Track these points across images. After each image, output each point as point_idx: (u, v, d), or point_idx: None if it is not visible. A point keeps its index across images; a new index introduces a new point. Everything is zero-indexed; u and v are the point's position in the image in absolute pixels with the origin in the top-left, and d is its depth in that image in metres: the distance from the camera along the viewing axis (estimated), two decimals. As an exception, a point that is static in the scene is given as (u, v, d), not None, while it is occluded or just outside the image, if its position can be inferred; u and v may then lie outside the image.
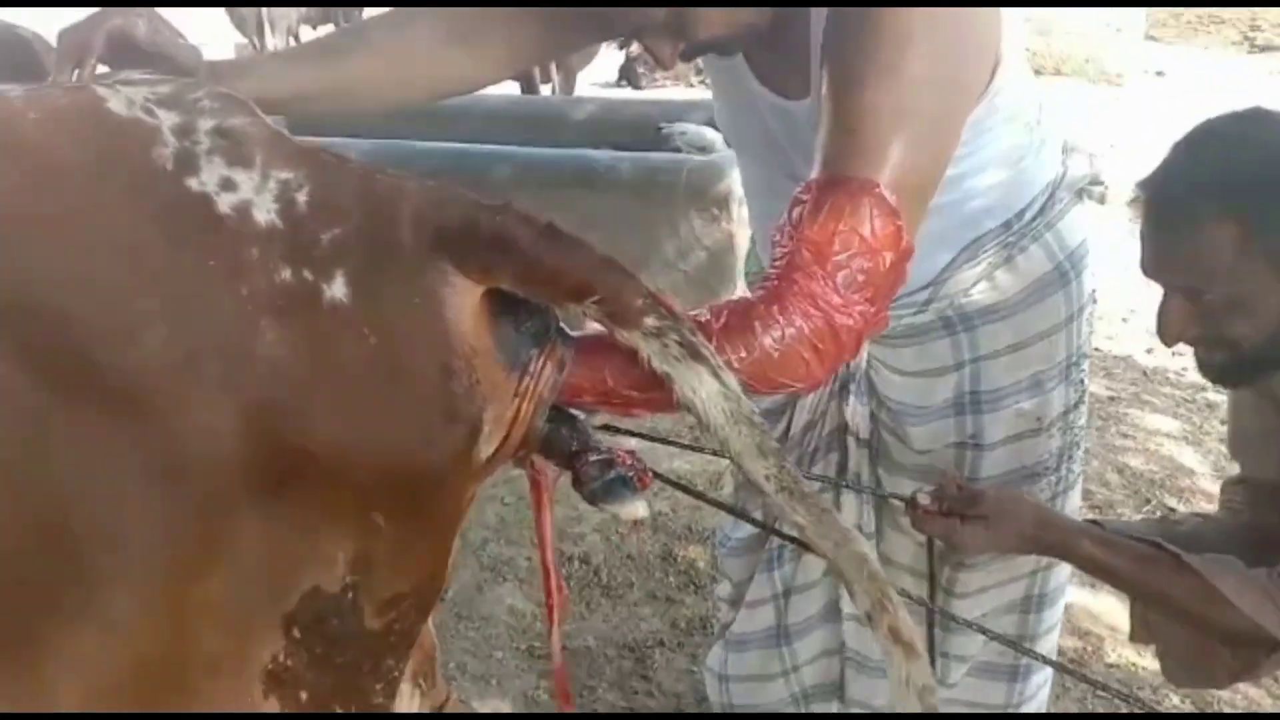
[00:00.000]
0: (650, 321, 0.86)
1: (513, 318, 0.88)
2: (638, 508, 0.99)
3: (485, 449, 0.89)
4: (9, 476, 0.72)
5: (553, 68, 7.59)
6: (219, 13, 8.84)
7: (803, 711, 1.71)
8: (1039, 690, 1.65)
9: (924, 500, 1.26)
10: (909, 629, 0.86)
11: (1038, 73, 9.36)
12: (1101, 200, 1.42)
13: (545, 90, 7.87)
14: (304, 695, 0.85)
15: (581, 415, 1.02)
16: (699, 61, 1.31)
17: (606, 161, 4.44)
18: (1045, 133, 1.36)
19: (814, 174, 1.02)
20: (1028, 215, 1.34)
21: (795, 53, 1.17)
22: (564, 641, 2.46)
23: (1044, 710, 1.70)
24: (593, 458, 0.99)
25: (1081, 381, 1.46)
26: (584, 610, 2.59)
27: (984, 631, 1.31)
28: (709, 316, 0.96)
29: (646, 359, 0.86)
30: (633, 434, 1.26)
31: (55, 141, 0.76)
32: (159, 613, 0.77)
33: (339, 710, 0.88)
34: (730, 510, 1.45)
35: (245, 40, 8.93)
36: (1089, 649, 2.45)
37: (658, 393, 0.91)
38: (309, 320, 0.78)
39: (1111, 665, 2.40)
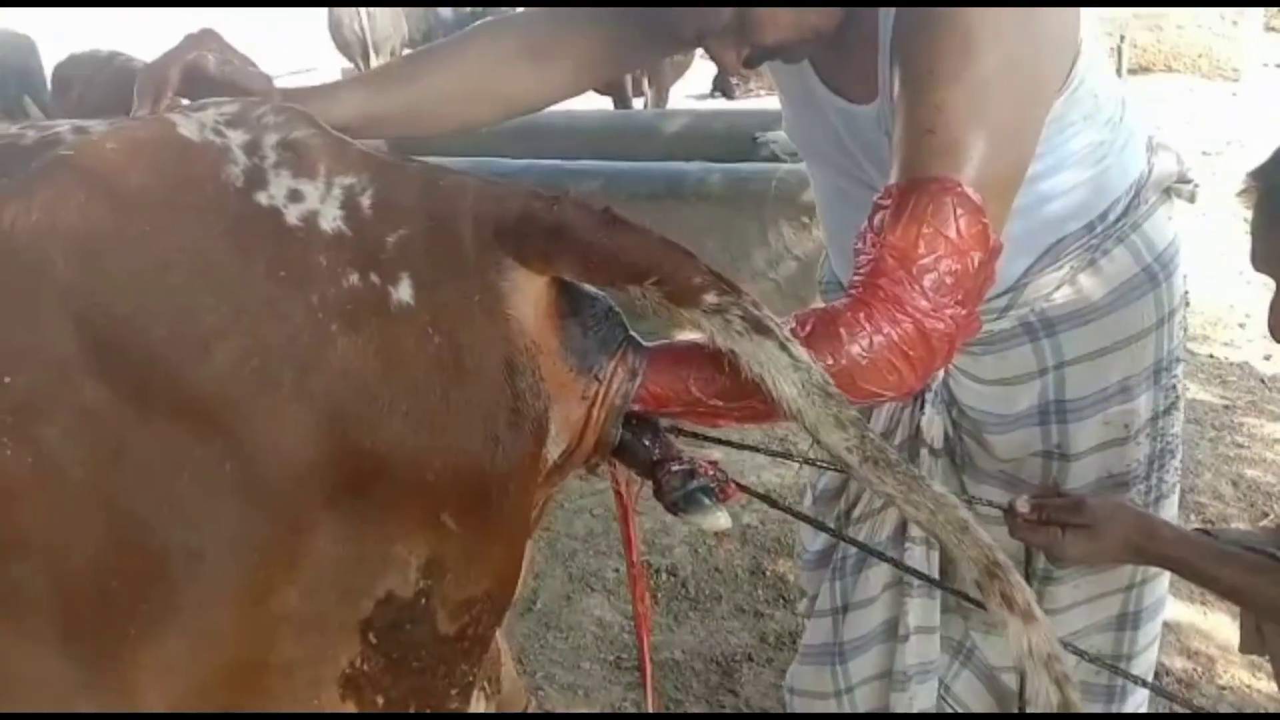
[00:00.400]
0: (710, 298, 0.85)
1: (579, 321, 0.89)
2: (719, 519, 0.98)
3: (554, 450, 0.90)
4: (94, 489, 0.75)
5: (645, 81, 7.65)
6: (324, 38, 9.16)
7: None
8: (1138, 711, 1.58)
9: (1023, 508, 1.21)
10: (1024, 594, 0.82)
11: (1147, 69, 9.06)
12: (1191, 199, 1.38)
13: (638, 104, 7.93)
14: (380, 700, 0.87)
15: (664, 425, 1.02)
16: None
17: (696, 173, 4.45)
18: (1128, 130, 1.30)
19: (893, 177, 1.00)
20: (1111, 216, 1.30)
21: (862, 56, 1.15)
22: (651, 654, 2.47)
23: None
24: (674, 467, 0.99)
25: (1174, 387, 1.40)
26: (671, 623, 2.59)
27: (1076, 651, 1.26)
28: (794, 325, 0.94)
29: (711, 338, 0.85)
30: (720, 442, 1.24)
31: (132, 169, 0.80)
32: (238, 621, 0.80)
33: (415, 712, 0.90)
34: (813, 522, 1.42)
35: (350, 65, 9.23)
36: (1198, 670, 2.33)
37: (744, 402, 0.91)
38: (377, 324, 0.80)
39: (1224, 687, 2.28)
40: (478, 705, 0.97)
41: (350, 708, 0.86)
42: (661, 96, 8.10)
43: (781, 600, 2.64)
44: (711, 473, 1.00)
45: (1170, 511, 1.46)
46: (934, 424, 1.44)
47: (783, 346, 0.85)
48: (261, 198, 0.81)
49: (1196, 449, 3.18)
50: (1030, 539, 1.24)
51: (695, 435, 1.08)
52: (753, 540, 2.89)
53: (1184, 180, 1.37)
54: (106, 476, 0.75)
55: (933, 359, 0.97)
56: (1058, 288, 1.30)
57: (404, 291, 0.82)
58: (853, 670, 1.62)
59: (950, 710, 1.66)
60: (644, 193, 4.36)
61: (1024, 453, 1.40)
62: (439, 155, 4.42)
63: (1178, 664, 2.31)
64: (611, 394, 0.91)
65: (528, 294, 0.86)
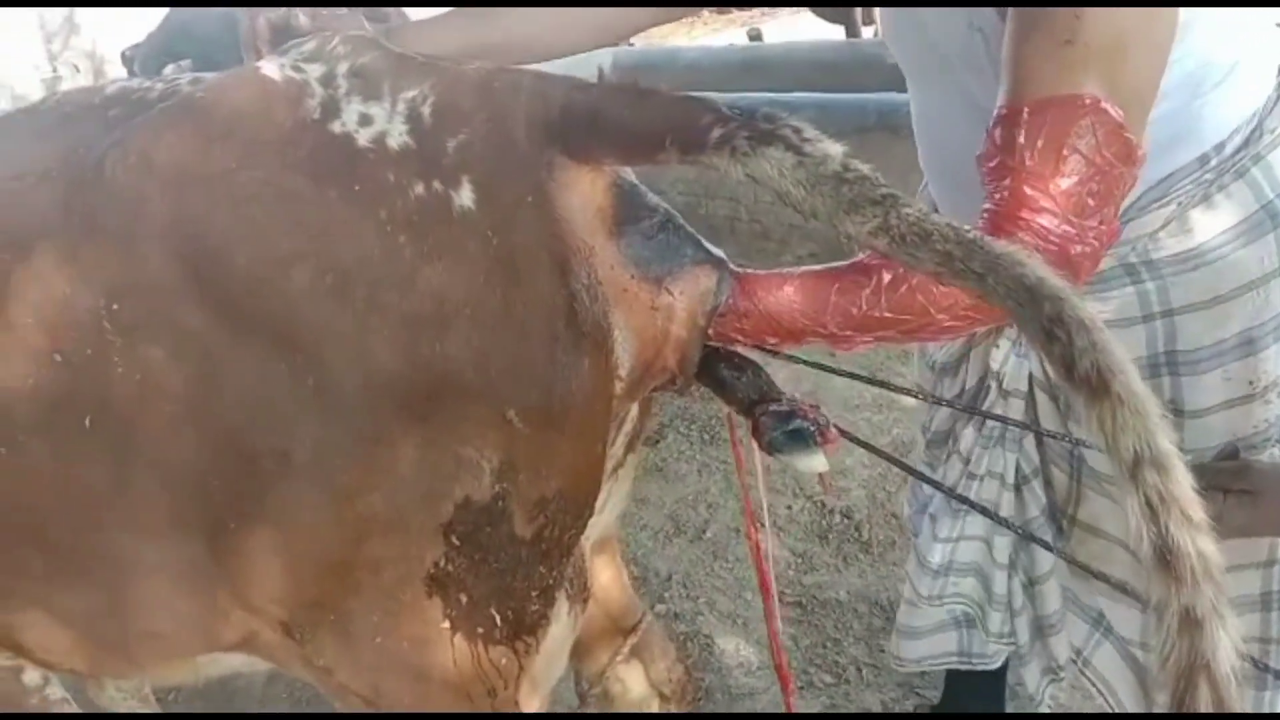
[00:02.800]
0: (716, 133, 0.82)
1: (637, 228, 0.90)
2: (816, 461, 0.97)
3: (624, 357, 0.92)
4: (194, 401, 0.85)
5: (875, 11, 7.32)
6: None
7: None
8: None
9: None
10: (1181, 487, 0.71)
11: None
12: None
13: (868, 33, 7.62)
14: (464, 598, 0.93)
15: (762, 366, 1.03)
16: None
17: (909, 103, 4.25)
18: (1248, 52, 1.14)
19: (1020, 90, 0.94)
20: (1229, 148, 1.15)
21: None
22: (814, 593, 2.47)
23: None
24: (773, 407, 0.98)
25: None
26: (840, 564, 2.57)
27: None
28: None
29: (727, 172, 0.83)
30: (818, 366, 1.21)
31: (218, 112, 0.88)
32: (326, 518, 0.88)
33: (496, 614, 0.95)
34: (914, 473, 1.33)
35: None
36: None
37: (873, 332, 0.92)
38: (442, 231, 0.85)
39: None
40: (561, 609, 1.02)
41: (436, 605, 0.93)
42: (894, 25, 7.72)
43: (959, 552, 2.56)
44: (811, 415, 0.98)
45: None
46: (1009, 363, 1.33)
47: (790, 147, 0.80)
48: (335, 126, 0.88)
49: None
50: None
51: (793, 359, 1.07)
52: (935, 489, 2.80)
53: None
54: (204, 390, 0.85)
55: (1077, 277, 0.93)
56: (1164, 225, 1.17)
57: (465, 196, 0.86)
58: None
59: (1090, 684, 1.57)
60: (854, 126, 4.22)
61: None
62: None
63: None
64: (688, 308, 0.91)
65: (579, 194, 0.88)
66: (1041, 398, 1.37)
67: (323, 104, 0.89)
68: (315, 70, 0.91)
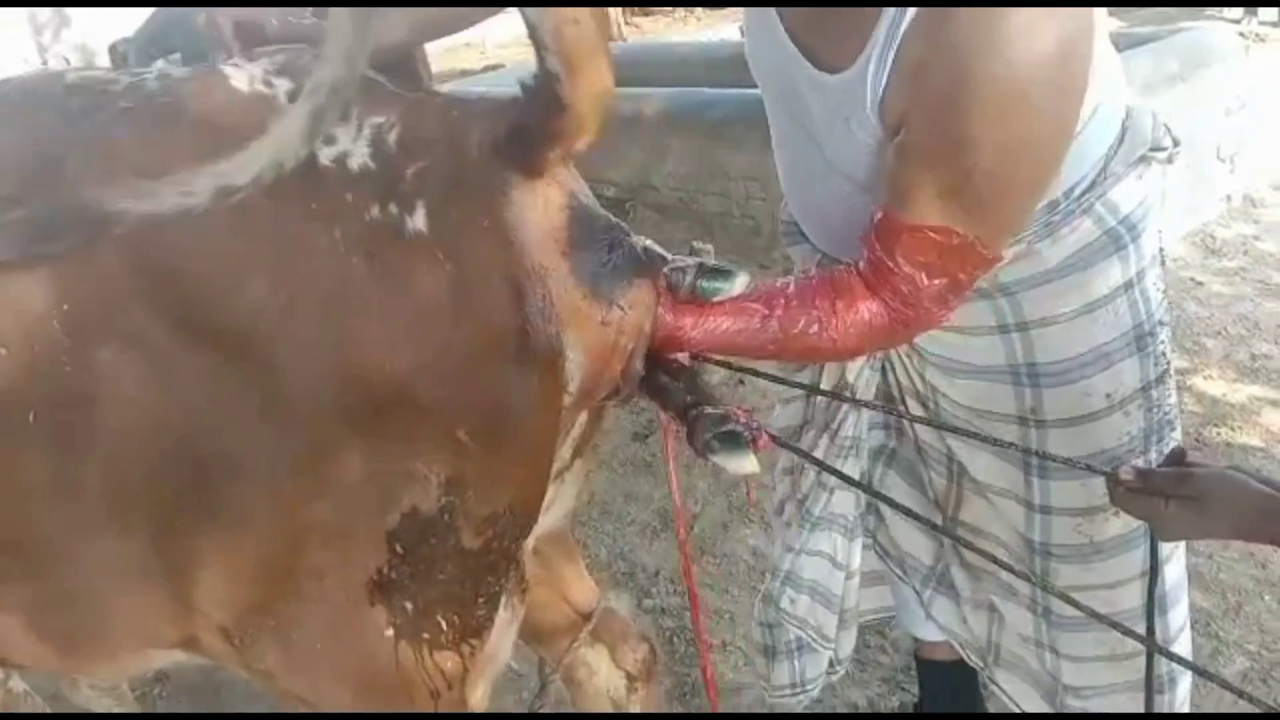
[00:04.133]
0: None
1: (591, 247, 0.91)
2: (747, 463, 0.99)
3: (574, 374, 0.92)
4: (144, 404, 0.85)
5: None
6: None
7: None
8: (1186, 704, 1.46)
9: (1126, 475, 1.10)
10: None
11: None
12: (1169, 161, 1.26)
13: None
14: (409, 605, 0.94)
15: (698, 371, 1.06)
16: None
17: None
18: (1101, 98, 1.15)
19: (897, 211, 1.03)
20: (1076, 191, 1.19)
21: (851, 24, 1.04)
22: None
23: None
24: (708, 410, 1.00)
25: (1163, 354, 1.30)
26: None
27: (1116, 626, 1.11)
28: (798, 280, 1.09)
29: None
30: (753, 372, 1.24)
31: (182, 118, 0.88)
32: (271, 524, 0.88)
33: (442, 621, 0.96)
34: (841, 475, 1.34)
35: None
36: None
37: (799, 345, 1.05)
38: (393, 253, 0.85)
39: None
40: (505, 614, 1.02)
41: (380, 612, 0.94)
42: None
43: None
44: (744, 420, 1.00)
45: None
46: (861, 374, 1.38)
47: None
48: None
49: None
50: (1131, 508, 1.13)
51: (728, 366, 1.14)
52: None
53: (1158, 148, 1.24)
54: (154, 393, 0.85)
55: (909, 338, 1.18)
56: (1011, 261, 1.19)
57: (419, 220, 0.86)
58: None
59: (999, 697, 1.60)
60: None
61: (996, 408, 1.32)
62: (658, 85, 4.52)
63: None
64: (635, 322, 0.92)
65: (534, 216, 0.88)
66: (913, 404, 1.40)
67: None
68: (284, 85, 0.91)
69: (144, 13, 4.23)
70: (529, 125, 0.87)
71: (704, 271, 0.98)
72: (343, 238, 0.85)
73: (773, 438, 1.06)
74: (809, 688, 1.73)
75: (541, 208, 0.89)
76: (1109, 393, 1.27)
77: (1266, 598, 2.28)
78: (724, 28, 8.10)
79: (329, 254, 0.85)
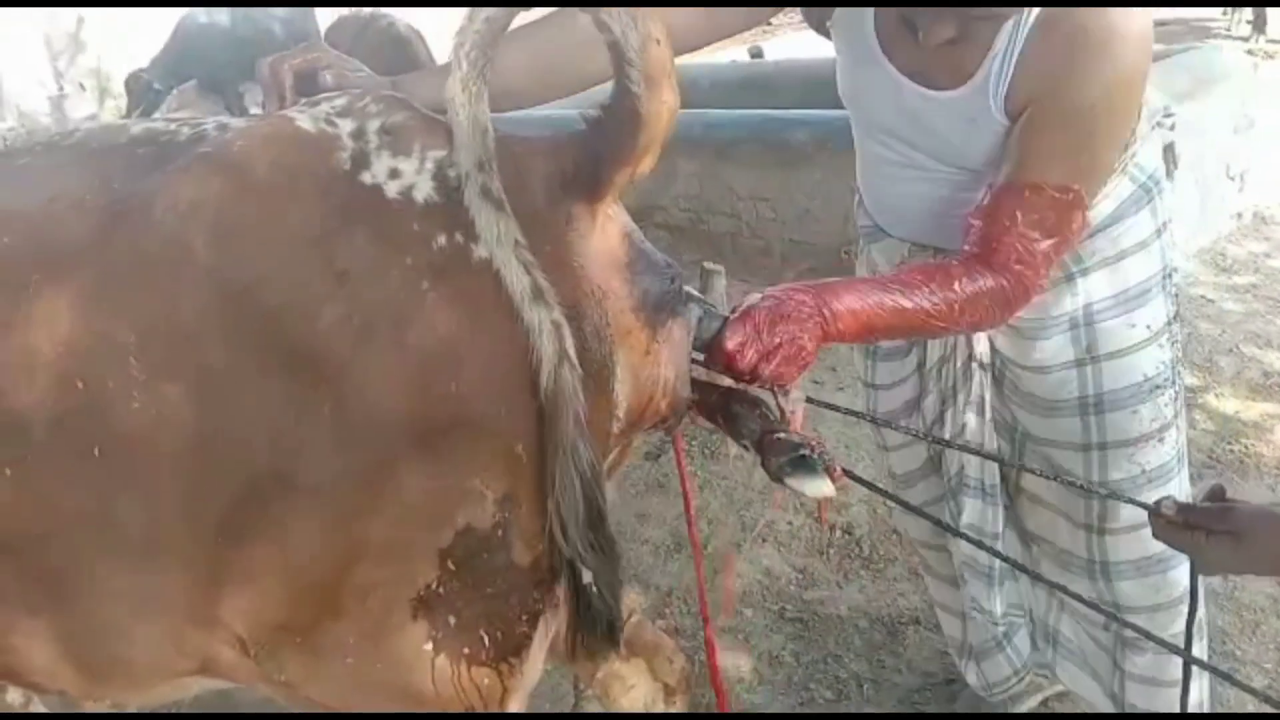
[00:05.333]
0: None
1: (645, 276, 0.96)
2: (824, 486, 1.04)
3: (622, 397, 0.96)
4: (206, 428, 0.88)
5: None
6: None
7: None
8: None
9: (1168, 509, 1.14)
10: None
11: None
12: (1172, 128, 1.60)
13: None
14: (452, 620, 0.96)
15: (770, 402, 1.11)
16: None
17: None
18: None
19: (1020, 173, 1.25)
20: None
21: (959, 49, 1.26)
22: (815, 608, 2.48)
23: None
24: (781, 435, 1.06)
25: (1175, 296, 1.55)
26: (841, 579, 2.58)
27: (1151, 637, 1.29)
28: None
29: None
30: (825, 405, 1.32)
31: (258, 161, 0.93)
32: (323, 543, 0.91)
33: (485, 636, 0.98)
34: (916, 510, 1.48)
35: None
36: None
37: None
38: (461, 279, 0.89)
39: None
40: (544, 631, 1.03)
41: (421, 627, 0.95)
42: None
43: (959, 567, 2.56)
44: (818, 448, 1.06)
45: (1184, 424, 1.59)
46: (981, 341, 1.59)
47: None
48: (365, 177, 0.92)
49: None
50: (1172, 541, 1.16)
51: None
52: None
53: (1168, 114, 1.54)
54: (215, 419, 0.88)
55: (1025, 304, 1.30)
56: None
57: (483, 248, 0.90)
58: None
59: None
60: (851, 142, 4.24)
61: (1059, 359, 1.51)
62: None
63: None
64: (671, 356, 0.97)
65: (595, 242, 0.94)
66: (977, 373, 1.60)
67: (353, 156, 0.93)
68: (347, 125, 0.96)
69: (159, 38, 4.29)
70: (599, 148, 0.92)
71: (703, 314, 1.07)
72: (413, 265, 0.89)
73: (848, 474, 1.13)
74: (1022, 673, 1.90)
75: (601, 235, 0.94)
76: (1149, 324, 1.49)
77: (1285, 617, 2.27)
78: (733, 49, 8.16)
79: (400, 281, 0.89)
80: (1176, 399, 1.54)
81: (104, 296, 0.89)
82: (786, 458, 1.05)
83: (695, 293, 1.07)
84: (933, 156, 1.40)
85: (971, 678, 1.95)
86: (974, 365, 1.59)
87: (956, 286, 1.22)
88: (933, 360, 1.66)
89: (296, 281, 0.88)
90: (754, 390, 1.14)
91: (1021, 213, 1.22)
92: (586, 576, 0.96)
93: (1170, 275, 1.53)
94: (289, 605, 0.92)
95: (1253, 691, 1.17)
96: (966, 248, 1.27)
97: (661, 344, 0.98)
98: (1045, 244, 1.24)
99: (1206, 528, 1.11)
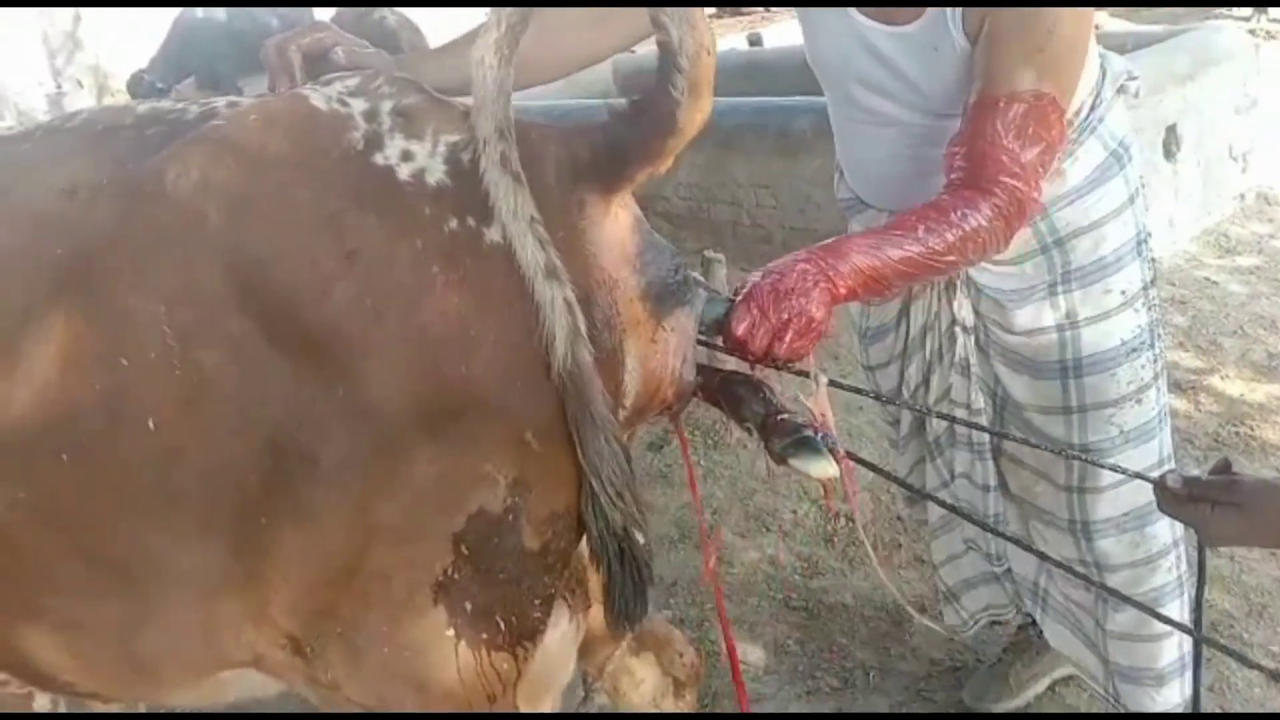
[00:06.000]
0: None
1: (654, 266, 0.96)
2: (827, 466, 1.03)
3: (631, 385, 0.96)
4: (239, 402, 0.88)
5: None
6: None
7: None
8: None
9: (1174, 483, 1.15)
10: None
11: None
12: (1136, 94, 1.59)
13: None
14: (469, 605, 0.96)
15: (772, 387, 1.11)
16: None
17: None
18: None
19: (990, 87, 1.25)
20: (1081, 115, 1.46)
21: None
22: (820, 597, 2.48)
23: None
24: (784, 417, 1.06)
25: (1151, 261, 1.57)
26: (846, 567, 2.58)
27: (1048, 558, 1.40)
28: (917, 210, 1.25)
29: None
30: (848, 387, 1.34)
31: (271, 137, 0.93)
32: (344, 527, 0.91)
33: (500, 621, 0.98)
34: (909, 488, 1.53)
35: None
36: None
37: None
38: (472, 263, 0.89)
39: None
40: (560, 616, 1.04)
41: (441, 612, 0.96)
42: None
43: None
44: (821, 429, 1.05)
45: (1163, 386, 1.63)
46: (963, 307, 1.62)
47: None
48: (378, 158, 0.92)
49: None
50: (1177, 514, 1.17)
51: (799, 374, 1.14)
52: (940, 490, 2.81)
53: (1132, 78, 1.55)
54: (248, 390, 0.89)
55: (1024, 221, 1.30)
56: (1048, 181, 1.39)
57: (495, 232, 0.90)
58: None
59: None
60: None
61: (1040, 323, 1.55)
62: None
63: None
64: (678, 344, 0.97)
65: (607, 231, 0.93)
66: (960, 336, 1.63)
67: (366, 137, 0.93)
68: (359, 105, 0.96)
69: (157, 35, 4.28)
70: (625, 142, 0.92)
71: (707, 300, 1.07)
72: (424, 248, 0.89)
73: (851, 456, 1.13)
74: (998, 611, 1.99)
75: (612, 224, 0.94)
76: (1124, 289, 1.53)
77: (1289, 598, 2.26)
78: (733, 38, 8.13)
79: (411, 264, 0.88)
80: (1156, 360, 1.58)
81: (132, 271, 0.89)
82: (790, 439, 1.05)
83: (699, 278, 1.07)
84: (902, 103, 1.42)
85: (950, 617, 2.02)
86: (957, 329, 1.63)
87: (953, 217, 1.22)
88: (916, 329, 1.69)
89: (307, 259, 0.88)
90: (759, 373, 1.13)
91: (1000, 124, 1.22)
92: (642, 538, 0.96)
93: (1145, 240, 1.56)
94: (324, 591, 0.92)
95: (1259, 667, 1.17)
96: (953, 176, 1.27)
97: (669, 332, 0.98)
98: (1030, 153, 1.24)
99: (1211, 500, 1.11)
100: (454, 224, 0.90)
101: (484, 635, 0.97)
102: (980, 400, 1.67)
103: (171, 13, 4.21)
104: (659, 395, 1.01)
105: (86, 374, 0.89)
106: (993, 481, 1.73)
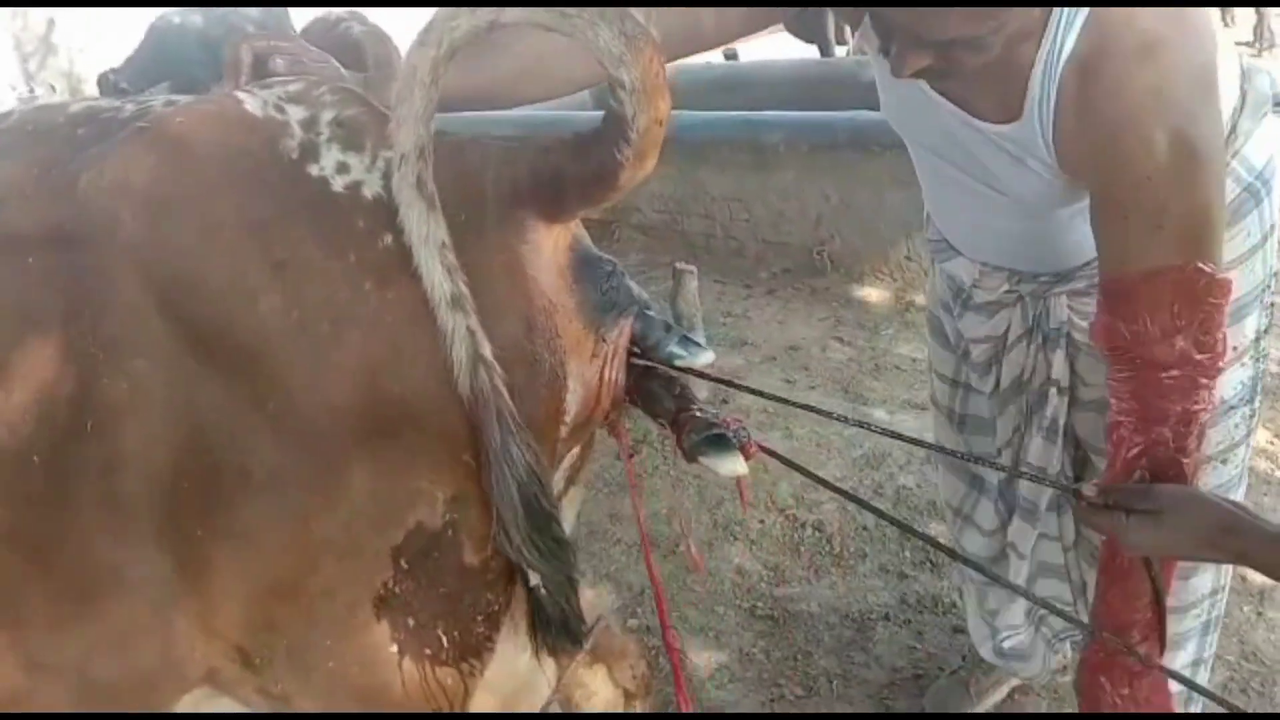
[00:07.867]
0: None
1: (592, 282, 0.95)
2: (736, 464, 1.02)
3: (573, 404, 0.95)
4: (173, 410, 0.87)
5: (847, 30, 7.34)
6: None
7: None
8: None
9: (1089, 491, 1.13)
10: None
11: None
12: None
13: (841, 52, 7.68)
14: (411, 621, 0.95)
15: (685, 381, 1.08)
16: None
17: (879, 121, 4.30)
18: (1221, 59, 1.21)
19: (1119, 269, 1.08)
20: None
21: (1001, 78, 1.11)
22: (786, 605, 2.49)
23: None
24: (696, 413, 1.04)
25: (1272, 305, 1.38)
26: (811, 576, 2.60)
27: (1185, 682, 1.18)
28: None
29: None
30: (755, 392, 1.25)
31: (197, 139, 0.90)
32: (282, 539, 0.90)
33: (443, 636, 0.98)
34: (842, 493, 1.42)
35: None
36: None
37: None
38: (406, 281, 0.88)
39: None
40: (507, 634, 1.04)
41: (384, 628, 0.95)
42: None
43: (929, 564, 2.59)
44: (733, 426, 1.03)
45: (1255, 440, 1.45)
46: (1060, 363, 1.46)
47: None
48: (313, 168, 0.90)
49: None
50: (1093, 523, 1.15)
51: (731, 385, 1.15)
52: (905, 501, 2.84)
53: (1278, 103, 1.33)
54: (180, 399, 0.87)
55: (1214, 374, 1.10)
56: None
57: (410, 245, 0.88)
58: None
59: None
60: (824, 143, 4.28)
61: None
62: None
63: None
64: (617, 353, 0.97)
65: (546, 255, 0.92)
66: (1054, 398, 1.49)
67: (302, 145, 0.91)
68: (297, 112, 0.93)
69: (130, 41, 4.26)
70: (566, 180, 0.90)
71: (678, 339, 1.03)
72: (357, 263, 0.87)
73: (765, 449, 1.09)
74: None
75: (552, 248, 0.93)
76: (1236, 345, 1.31)
77: (1246, 609, 2.30)
78: (708, 52, 8.17)
79: (343, 278, 0.87)
80: (1252, 417, 1.42)
81: (49, 282, 0.86)
82: (701, 435, 1.03)
83: (634, 286, 1.04)
84: (987, 185, 1.28)
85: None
86: (1051, 390, 1.49)
87: (1131, 452, 1.12)
88: (1008, 381, 1.56)
89: (230, 269, 0.86)
90: (668, 369, 1.10)
91: (1145, 310, 1.06)
92: (533, 579, 0.96)
93: (1269, 285, 1.36)
94: (269, 604, 0.91)
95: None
96: (1114, 383, 1.13)
97: (606, 344, 0.98)
98: (1185, 325, 1.06)
99: (1127, 508, 1.10)
100: (389, 240, 0.88)
101: (427, 650, 0.97)
102: (1058, 464, 1.55)
103: (147, 17, 4.20)
104: (598, 408, 1.01)
105: (15, 393, 0.86)
106: (1070, 471, 1.60)
